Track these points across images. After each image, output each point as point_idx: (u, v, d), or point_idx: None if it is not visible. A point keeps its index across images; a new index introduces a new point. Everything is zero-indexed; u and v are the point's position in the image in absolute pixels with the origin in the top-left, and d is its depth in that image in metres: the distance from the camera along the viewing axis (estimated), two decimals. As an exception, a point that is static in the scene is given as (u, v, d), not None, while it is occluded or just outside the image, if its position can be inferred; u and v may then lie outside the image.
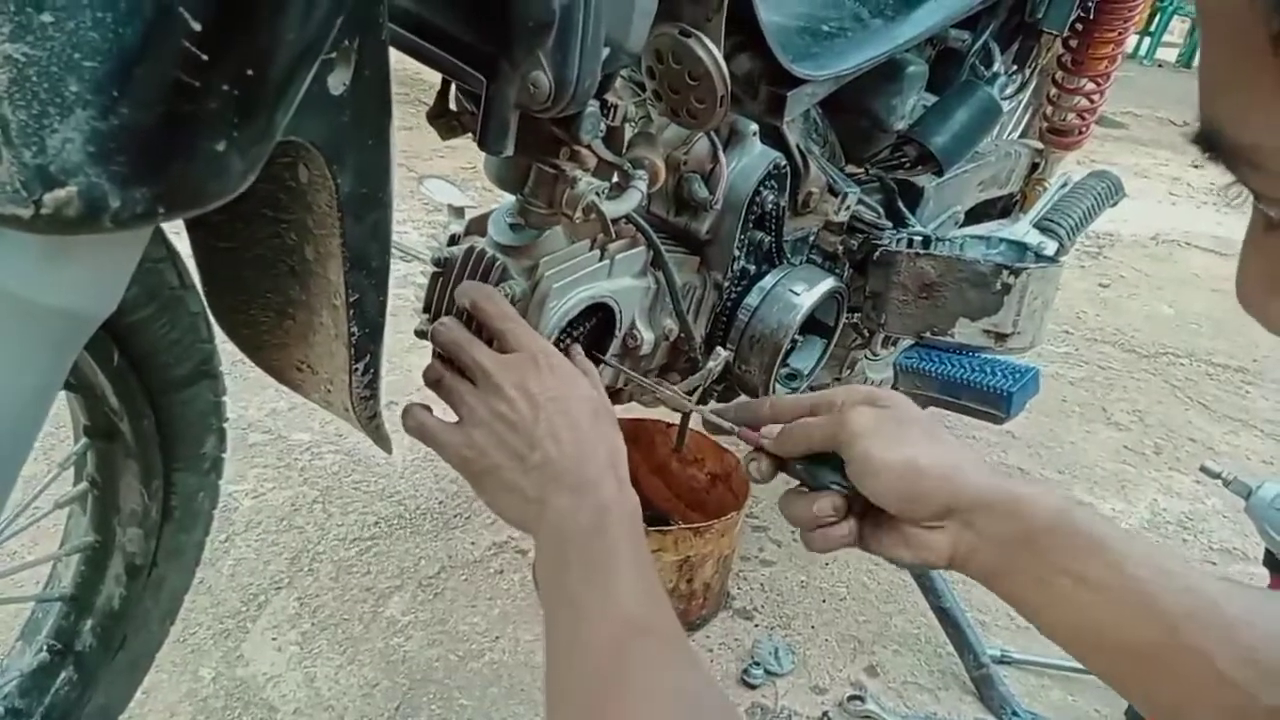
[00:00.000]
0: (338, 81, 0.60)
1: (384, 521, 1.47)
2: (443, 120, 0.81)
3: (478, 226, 0.94)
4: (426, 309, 0.97)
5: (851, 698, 1.23)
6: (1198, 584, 0.55)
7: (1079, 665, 1.34)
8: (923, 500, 0.62)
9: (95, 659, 0.87)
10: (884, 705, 1.22)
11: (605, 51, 0.69)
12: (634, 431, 1.48)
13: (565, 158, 0.82)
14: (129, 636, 0.87)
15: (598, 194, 0.83)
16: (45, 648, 0.86)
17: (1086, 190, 1.40)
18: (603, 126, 0.81)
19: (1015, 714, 1.24)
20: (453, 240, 0.96)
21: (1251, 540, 1.63)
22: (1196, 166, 4.34)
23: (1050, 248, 1.33)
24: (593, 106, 0.78)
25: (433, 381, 0.74)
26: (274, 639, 1.25)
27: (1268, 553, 1.16)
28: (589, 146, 0.82)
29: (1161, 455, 1.95)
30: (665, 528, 1.25)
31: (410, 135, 3.32)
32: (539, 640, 1.29)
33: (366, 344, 0.78)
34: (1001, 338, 1.11)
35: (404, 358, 1.88)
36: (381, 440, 0.95)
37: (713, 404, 0.88)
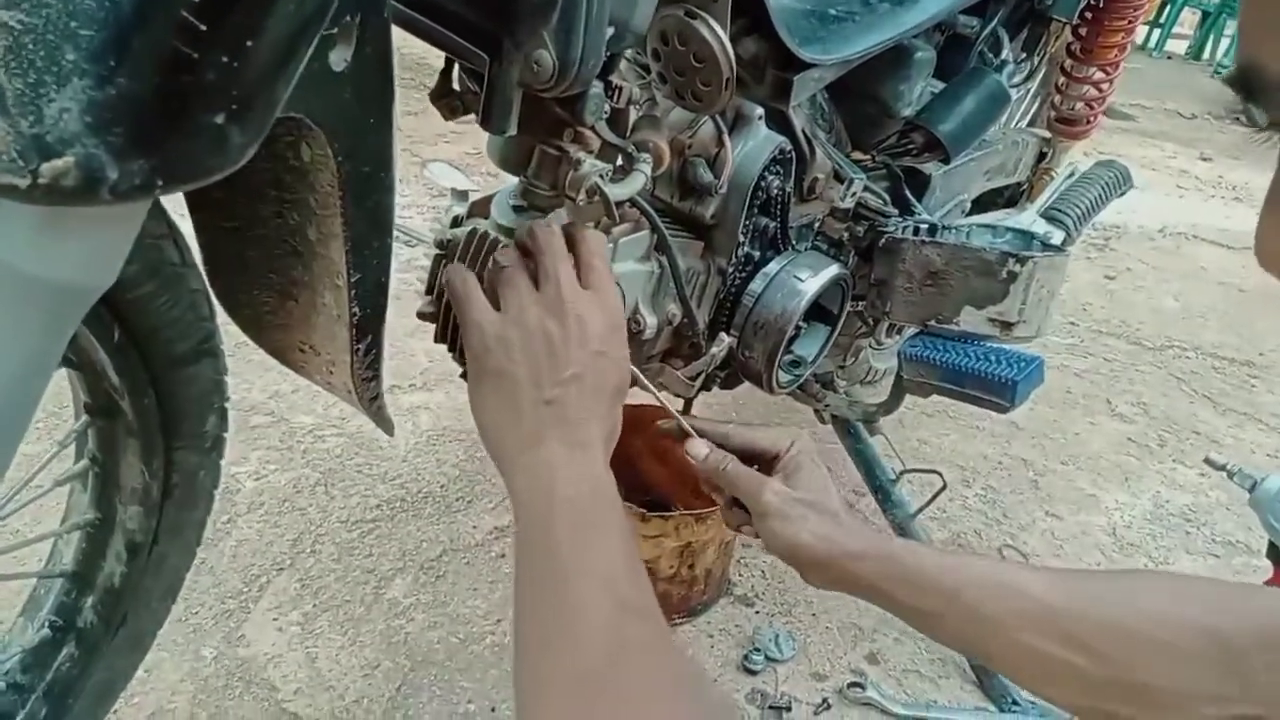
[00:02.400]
0: (339, 58, 0.59)
1: (386, 504, 1.48)
2: (445, 100, 0.81)
3: (480, 209, 0.93)
4: (429, 291, 0.96)
5: (852, 685, 1.23)
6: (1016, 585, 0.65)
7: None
8: (807, 573, 0.74)
9: (96, 636, 0.87)
10: (884, 693, 1.23)
11: (610, 31, 0.68)
12: (636, 417, 1.46)
13: (569, 139, 0.81)
14: (130, 614, 0.88)
15: (601, 176, 0.83)
16: (47, 624, 0.86)
17: (1094, 180, 1.39)
18: (607, 108, 0.81)
19: (1015, 703, 1.24)
20: (455, 222, 0.95)
21: (1254, 533, 1.63)
22: (1205, 159, 4.31)
23: (1057, 237, 1.33)
24: (597, 87, 0.78)
25: (495, 271, 0.72)
26: (275, 619, 1.25)
27: (1271, 545, 1.16)
28: (593, 128, 0.82)
29: (1166, 448, 1.94)
30: (667, 513, 1.25)
31: (415, 120, 3.32)
32: (539, 624, 1.29)
33: (368, 325, 0.78)
34: (1007, 326, 1.11)
35: (406, 342, 1.88)
36: (383, 422, 0.95)
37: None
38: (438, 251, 0.94)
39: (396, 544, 1.40)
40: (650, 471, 1.48)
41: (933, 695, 1.26)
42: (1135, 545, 1.64)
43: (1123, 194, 1.45)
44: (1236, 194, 3.88)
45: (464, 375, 1.00)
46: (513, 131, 0.70)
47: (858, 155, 1.26)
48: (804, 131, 1.12)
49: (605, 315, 0.67)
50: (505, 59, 0.67)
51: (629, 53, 0.96)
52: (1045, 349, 2.23)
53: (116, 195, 0.46)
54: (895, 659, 1.31)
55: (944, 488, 1.25)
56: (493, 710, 1.15)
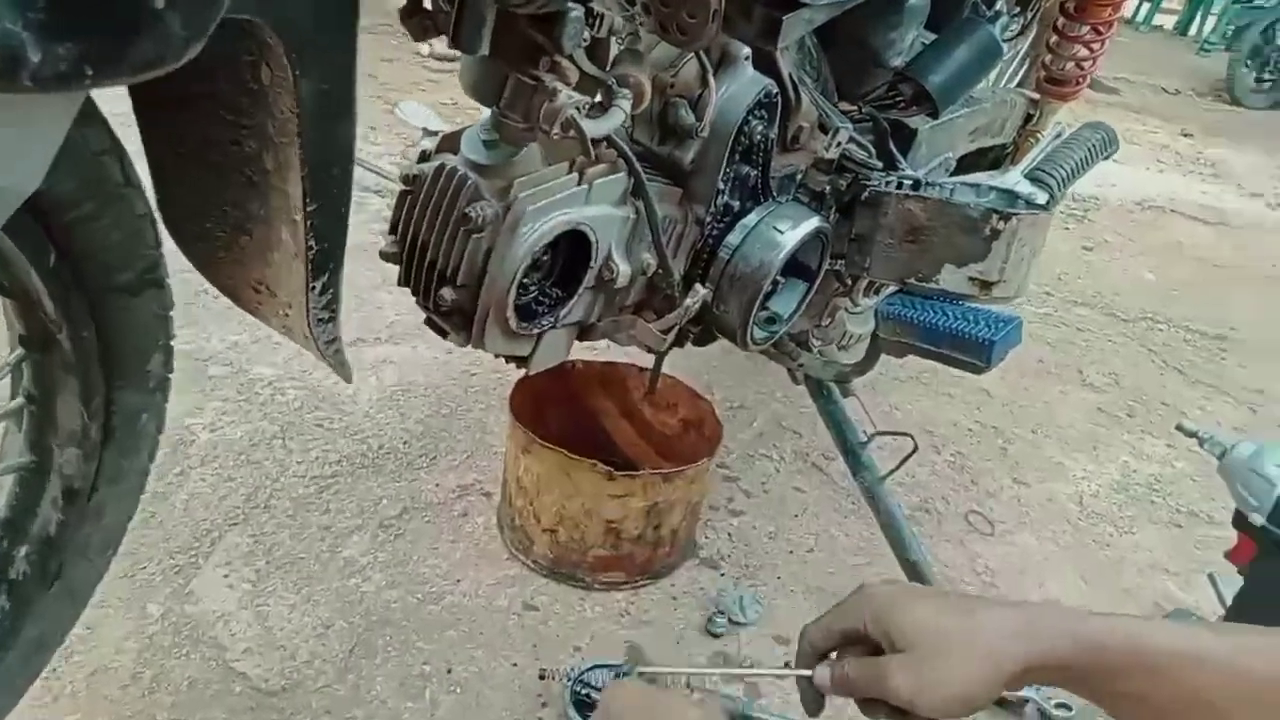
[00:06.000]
0: (293, -38, 0.54)
1: (346, 460, 1.43)
2: (417, 19, 0.75)
3: (449, 144, 0.88)
4: (393, 230, 0.91)
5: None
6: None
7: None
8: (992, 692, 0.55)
9: (30, 588, 0.82)
10: (851, 656, 1.21)
11: (590, -56, 0.63)
12: (605, 374, 1.44)
13: (545, 68, 0.76)
14: (66, 565, 0.83)
15: (578, 109, 0.78)
16: (-25, 574, 0.81)
17: (1080, 141, 1.36)
18: (586, 36, 0.76)
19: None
20: (423, 157, 0.90)
21: (1219, 504, 1.63)
22: (1186, 135, 4.33)
23: (1041, 197, 1.29)
24: (576, 11, 0.73)
25: None
26: (226, 576, 1.21)
27: (1237, 512, 1.15)
28: (570, 57, 0.77)
29: (1135, 418, 1.95)
30: (634, 472, 1.21)
31: (390, 68, 3.22)
32: (500, 584, 1.26)
33: (326, 260, 0.73)
34: (986, 285, 1.08)
35: (373, 294, 1.82)
36: (340, 368, 0.90)
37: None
38: (403, 188, 0.89)
39: (355, 501, 1.35)
40: (617, 431, 1.45)
41: (900, 659, 1.25)
42: (1101, 514, 1.65)
43: (1108, 156, 1.43)
44: (1215, 171, 3.90)
45: (427, 322, 0.96)
46: (484, 51, 0.65)
47: (844, 106, 1.22)
48: (791, 76, 1.07)
49: None
50: (476, -29, 0.62)
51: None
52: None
53: (39, 82, 0.41)
54: (863, 623, 1.30)
55: (915, 450, 1.23)
56: (448, 672, 1.12)
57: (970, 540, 1.52)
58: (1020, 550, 1.51)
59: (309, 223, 0.70)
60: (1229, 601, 1.19)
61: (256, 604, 1.18)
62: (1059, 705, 1.18)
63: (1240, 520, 1.15)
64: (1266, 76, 5.42)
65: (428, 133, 1.01)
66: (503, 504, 1.34)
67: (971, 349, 1.08)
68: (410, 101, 2.38)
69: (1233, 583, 1.19)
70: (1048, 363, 2.09)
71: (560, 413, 1.41)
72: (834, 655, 0.60)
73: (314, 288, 0.75)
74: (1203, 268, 2.78)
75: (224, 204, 0.75)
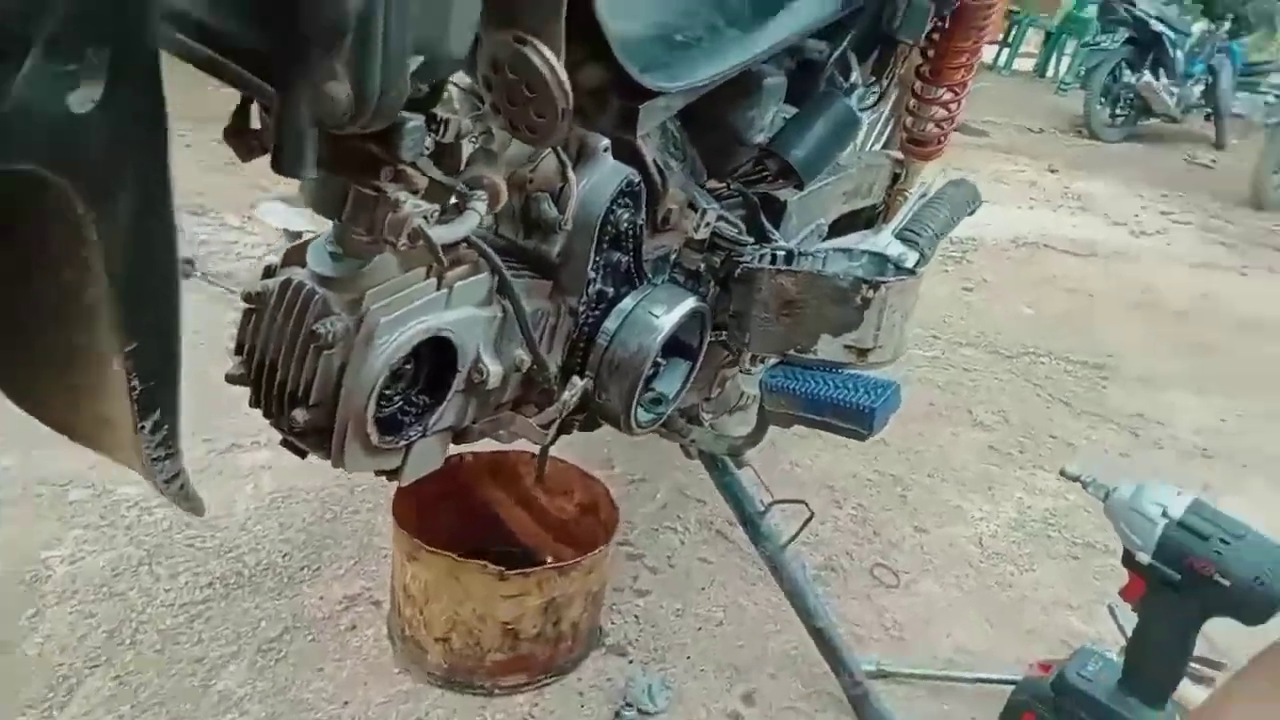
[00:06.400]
0: (82, 99, 0.50)
1: (219, 581, 1.33)
2: (241, 138, 0.71)
3: (295, 256, 0.84)
4: (239, 350, 0.86)
5: (731, 733, 1.18)
6: None
7: (951, 674, 1.35)
8: None
9: None
10: (764, 739, 1.18)
11: (418, 60, 0.61)
12: (495, 464, 1.39)
13: (387, 178, 0.73)
14: None
15: (425, 218, 0.75)
16: None
17: (945, 200, 1.40)
18: (429, 143, 0.73)
19: (896, 734, 1.22)
20: (268, 272, 0.85)
21: (1112, 534, 1.68)
22: (1052, 171, 4.58)
23: (911, 258, 1.33)
24: (415, 121, 0.70)
25: None
26: (88, 726, 1.10)
27: (1126, 552, 1.17)
28: (414, 165, 0.74)
29: (1025, 454, 2.00)
30: (527, 570, 1.16)
31: (253, 165, 3.11)
32: (392, 701, 1.18)
33: (153, 398, 0.68)
34: (863, 353, 1.09)
35: (220, 419, 1.61)
36: (186, 502, 0.83)
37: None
38: (247, 306, 0.84)
39: (230, 626, 1.26)
40: (513, 520, 1.40)
41: (813, 734, 1.23)
42: (1000, 554, 1.67)
43: (972, 212, 1.48)
44: (1081, 203, 4.13)
45: (284, 443, 0.90)
46: (310, 175, 0.61)
47: (713, 183, 1.22)
48: (655, 161, 1.07)
49: None
50: (295, 92, 0.58)
51: (464, 81, 0.88)
52: (908, 362, 2.27)
53: None
54: (772, 697, 1.27)
55: (811, 518, 1.23)
56: (343, 806, 1.04)
57: (876, 594, 1.52)
58: (925, 599, 1.52)
59: (130, 361, 0.64)
60: (1129, 633, 1.21)
61: (123, 755, 1.07)
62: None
63: (1129, 559, 1.17)
64: (1119, 112, 5.81)
65: (289, 234, 0.96)
66: (392, 614, 1.27)
67: (853, 417, 1.08)
68: (270, 201, 2.27)
69: (1132, 615, 1.21)
70: (938, 405, 2.14)
71: (450, 508, 1.35)
72: None
73: (143, 427, 0.69)
74: (1077, 299, 2.92)
75: (48, 344, 0.69)
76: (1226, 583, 1.02)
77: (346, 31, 0.54)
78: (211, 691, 1.15)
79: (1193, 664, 1.13)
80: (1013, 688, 1.20)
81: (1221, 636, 1.19)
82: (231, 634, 1.24)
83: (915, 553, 1.64)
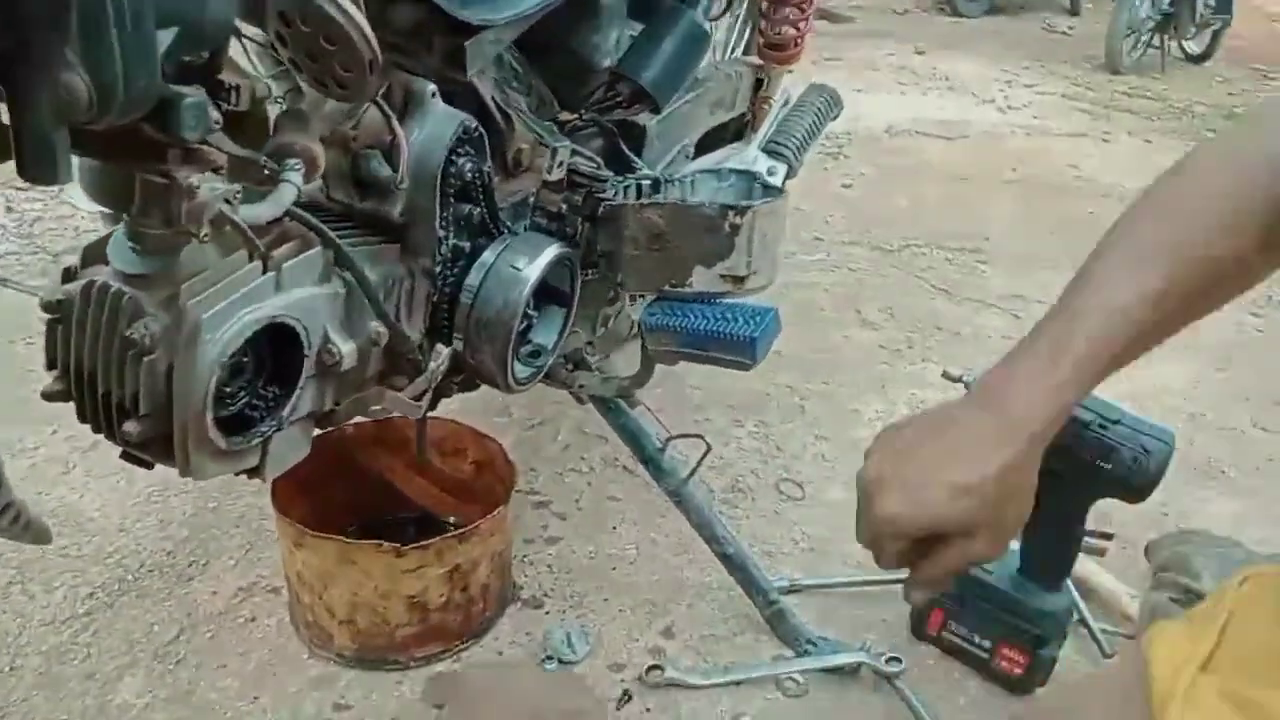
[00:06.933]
0: None
1: (102, 590, 1.25)
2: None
3: (95, 254, 0.75)
4: (51, 365, 0.78)
5: (650, 669, 1.19)
6: None
7: (864, 579, 1.38)
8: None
9: None
10: (683, 668, 1.19)
11: (170, 33, 0.53)
12: (379, 432, 1.33)
13: (176, 161, 0.65)
14: None
15: (230, 200, 0.68)
16: None
17: (807, 108, 1.37)
18: (216, 116, 0.65)
19: (810, 642, 1.25)
20: (68, 275, 0.76)
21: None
22: (920, 53, 4.59)
23: (780, 172, 1.30)
24: (194, 96, 0.62)
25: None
26: (-28, 768, 1.03)
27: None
28: (205, 143, 0.66)
29: (914, 349, 2.04)
30: (425, 542, 1.13)
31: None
32: (304, 689, 1.15)
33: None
34: (739, 280, 1.06)
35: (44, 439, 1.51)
36: (29, 534, 0.76)
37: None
38: (49, 316, 0.75)
39: (120, 636, 1.19)
40: (410, 486, 1.36)
41: (730, 655, 1.25)
42: (900, 449, 1.71)
43: (835, 116, 1.45)
44: (950, 84, 4.16)
45: (124, 457, 0.83)
46: (66, 181, 0.53)
47: (565, 116, 1.16)
48: (494, 100, 1.01)
49: None
50: (27, 89, 0.50)
51: (261, 37, 0.79)
52: (794, 267, 2.27)
53: None
54: (691, 627, 1.28)
55: (708, 450, 1.22)
56: (261, 807, 1.01)
57: (785, 509, 1.54)
58: (831, 509, 1.54)
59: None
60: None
61: (18, 791, 1.01)
62: (890, 659, 1.21)
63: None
64: (977, -15, 5.85)
65: (107, 218, 0.87)
66: (291, 601, 1.22)
67: (735, 348, 1.06)
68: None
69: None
70: (827, 309, 2.15)
71: (338, 482, 1.29)
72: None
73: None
74: (951, 184, 2.96)
75: None
76: (1108, 466, 1.06)
77: (70, 12, 0.46)
78: (110, 707, 1.10)
79: (1087, 538, 1.18)
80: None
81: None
82: (123, 644, 1.17)
83: (818, 462, 1.66)
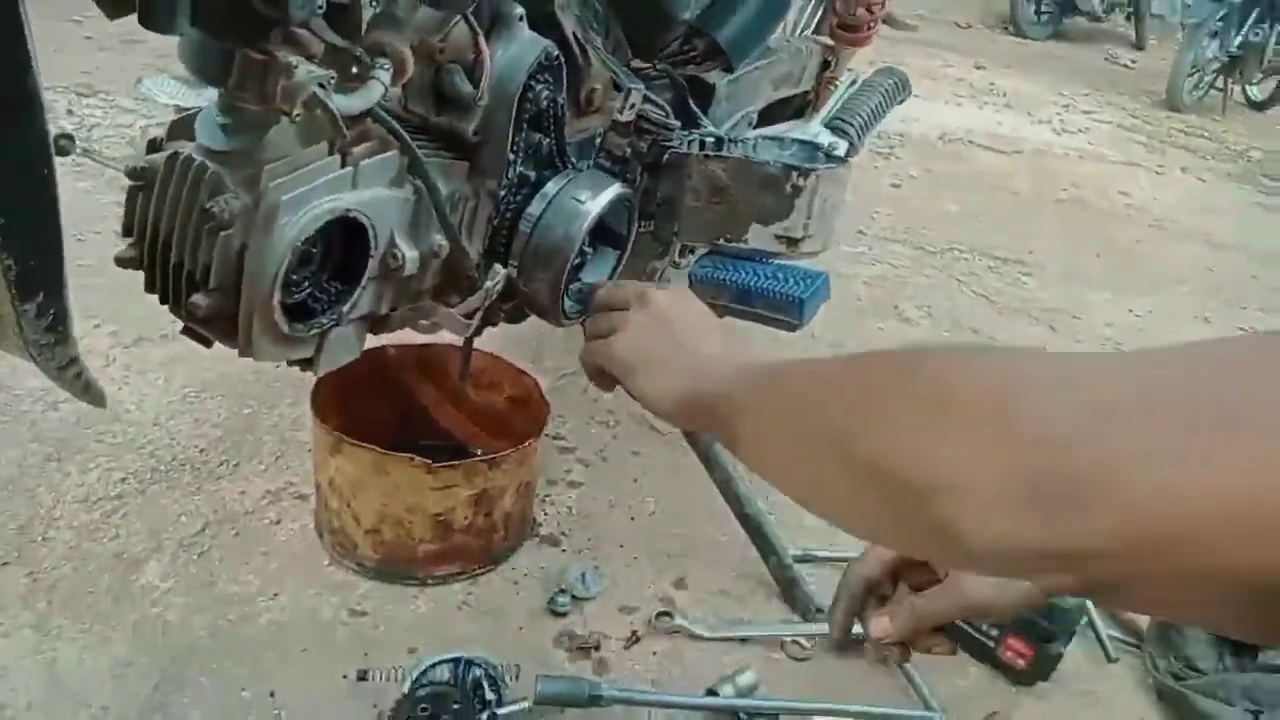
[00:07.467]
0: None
1: (134, 477, 1.29)
2: (108, -9, 0.64)
3: (182, 129, 0.77)
4: (128, 232, 0.80)
5: (660, 614, 1.21)
6: None
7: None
8: None
9: None
10: (692, 618, 1.21)
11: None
12: (422, 357, 1.36)
13: (277, 41, 0.67)
14: None
15: (323, 85, 0.70)
16: None
17: (875, 88, 1.38)
18: (322, 2, 0.67)
19: (819, 610, 1.26)
20: (153, 146, 0.79)
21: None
22: (979, 67, 4.56)
23: (841, 148, 1.30)
24: (306, -25, 0.64)
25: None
26: (1, 625, 1.07)
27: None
28: (307, 27, 0.68)
29: (948, 348, 2.04)
30: (456, 461, 1.15)
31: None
32: (322, 593, 1.18)
33: (33, 279, 0.63)
34: (794, 242, 1.08)
35: (126, 307, 1.54)
36: (85, 393, 0.79)
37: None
38: (132, 183, 0.78)
39: (148, 522, 1.23)
40: (443, 415, 1.38)
41: (740, 613, 1.27)
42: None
43: (902, 101, 1.46)
44: (1007, 101, 4.14)
45: (185, 331, 0.85)
46: (183, 30, 0.55)
47: (638, 64, 1.17)
48: (575, 35, 1.02)
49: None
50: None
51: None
52: (836, 257, 2.28)
53: None
54: (704, 582, 1.31)
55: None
56: (271, 695, 1.04)
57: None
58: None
59: (4, 240, 0.60)
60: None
61: (41, 651, 1.05)
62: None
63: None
64: (1044, 9, 5.80)
65: (179, 111, 0.89)
66: (319, 507, 1.25)
67: (784, 307, 1.08)
68: (158, 76, 2.10)
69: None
70: (865, 300, 2.16)
71: (375, 400, 1.32)
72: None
73: (26, 310, 0.64)
74: (1000, 195, 2.95)
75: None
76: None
77: None
78: (133, 587, 1.13)
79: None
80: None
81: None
82: (151, 530, 1.21)
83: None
